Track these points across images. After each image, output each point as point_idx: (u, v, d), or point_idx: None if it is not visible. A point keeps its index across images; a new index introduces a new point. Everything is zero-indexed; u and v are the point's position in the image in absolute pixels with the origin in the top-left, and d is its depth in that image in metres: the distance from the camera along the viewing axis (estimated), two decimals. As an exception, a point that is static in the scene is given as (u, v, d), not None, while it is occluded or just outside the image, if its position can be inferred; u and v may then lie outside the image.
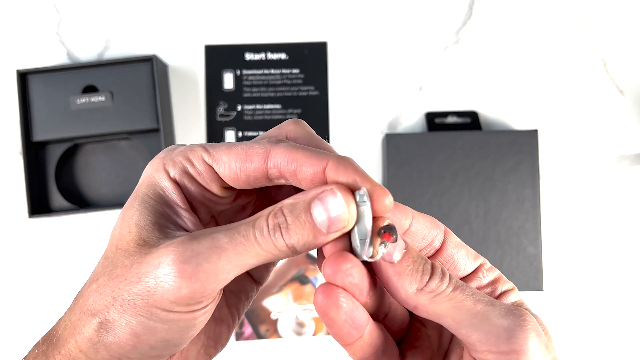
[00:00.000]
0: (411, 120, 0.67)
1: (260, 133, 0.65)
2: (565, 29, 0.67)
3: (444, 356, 0.25)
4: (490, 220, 0.63)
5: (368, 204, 0.22)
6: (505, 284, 0.25)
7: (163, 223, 0.23)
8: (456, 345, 0.25)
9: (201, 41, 0.66)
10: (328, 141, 0.66)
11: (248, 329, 0.64)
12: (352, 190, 0.22)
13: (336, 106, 0.66)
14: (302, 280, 0.65)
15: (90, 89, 0.62)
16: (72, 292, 0.62)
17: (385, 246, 0.22)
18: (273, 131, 0.25)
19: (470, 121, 0.66)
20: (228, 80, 0.66)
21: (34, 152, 0.63)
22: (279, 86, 0.66)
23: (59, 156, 0.63)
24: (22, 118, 0.61)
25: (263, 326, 0.64)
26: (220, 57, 0.66)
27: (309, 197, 0.22)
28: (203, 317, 0.23)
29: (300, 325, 0.64)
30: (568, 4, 0.67)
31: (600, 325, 0.66)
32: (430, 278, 0.23)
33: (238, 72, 0.66)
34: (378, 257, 0.22)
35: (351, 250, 0.23)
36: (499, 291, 0.25)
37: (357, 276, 0.23)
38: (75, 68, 0.62)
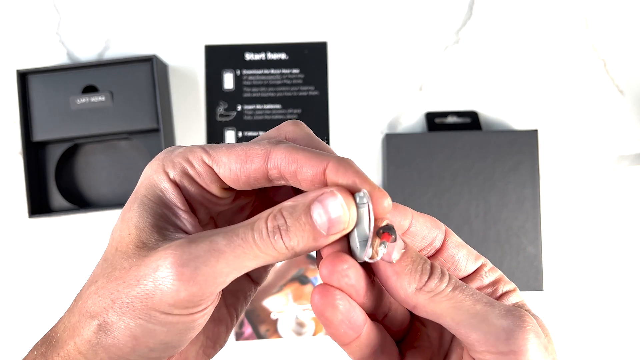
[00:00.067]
0: (411, 120, 0.67)
1: (261, 133, 0.66)
2: (565, 29, 0.67)
3: (445, 356, 0.25)
4: (490, 220, 0.63)
5: (367, 205, 0.22)
6: (507, 285, 0.25)
7: (162, 225, 0.23)
8: (457, 346, 0.25)
9: (201, 41, 0.66)
10: (327, 142, 0.66)
11: (248, 329, 0.64)
12: (351, 192, 0.22)
13: (336, 106, 0.67)
14: (302, 280, 0.65)
15: (90, 89, 0.62)
16: (72, 292, 0.62)
17: (384, 246, 0.22)
18: (272, 132, 0.25)
19: (470, 121, 0.66)
20: (228, 80, 0.66)
21: (34, 152, 0.63)
22: (279, 86, 0.66)
23: (59, 156, 0.63)
24: (22, 118, 0.61)
25: (263, 326, 0.64)
26: (220, 57, 0.66)
27: (308, 199, 0.22)
28: (202, 319, 0.23)
29: (300, 325, 0.64)
30: (568, 4, 0.67)
31: (600, 325, 0.66)
32: (429, 278, 0.23)
33: (238, 72, 0.66)
34: (378, 258, 0.22)
35: (349, 251, 0.23)
36: (499, 292, 0.25)
37: (354, 277, 0.23)
38: (75, 68, 0.62)
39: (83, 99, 0.62)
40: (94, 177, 0.65)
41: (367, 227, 0.22)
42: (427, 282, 0.23)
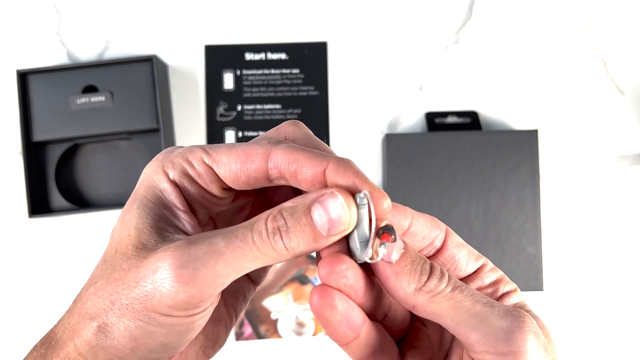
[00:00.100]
0: (411, 120, 0.67)
1: (260, 133, 0.66)
2: (565, 29, 0.67)
3: (445, 356, 0.25)
4: (490, 220, 0.63)
5: (367, 206, 0.22)
6: (507, 285, 0.25)
7: (162, 226, 0.23)
8: (457, 346, 0.25)
9: (201, 41, 0.66)
10: (327, 142, 0.66)
11: (248, 329, 0.64)
12: (351, 193, 0.22)
13: (336, 106, 0.67)
14: (302, 280, 0.65)
15: (90, 89, 0.62)
16: (72, 292, 0.62)
17: (385, 247, 0.22)
18: (271, 132, 0.25)
19: (470, 121, 0.66)
20: (228, 80, 0.66)
21: (34, 152, 0.63)
22: (279, 86, 0.66)
23: (59, 156, 0.63)
24: (22, 118, 0.61)
25: (263, 326, 0.64)
26: (220, 57, 0.66)
27: (308, 200, 0.22)
28: (201, 320, 0.23)
29: (300, 325, 0.64)
30: (568, 4, 0.67)
31: (600, 325, 0.66)
32: (428, 278, 0.23)
33: (238, 72, 0.66)
34: (379, 259, 0.23)
35: (348, 252, 0.23)
36: (500, 292, 0.25)
37: (352, 277, 0.23)
38: (75, 68, 0.62)
39: (83, 99, 0.62)
40: (94, 177, 0.65)
41: (367, 228, 0.23)
42: (426, 282, 0.23)
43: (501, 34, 0.67)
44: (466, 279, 0.25)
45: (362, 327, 0.24)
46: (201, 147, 0.24)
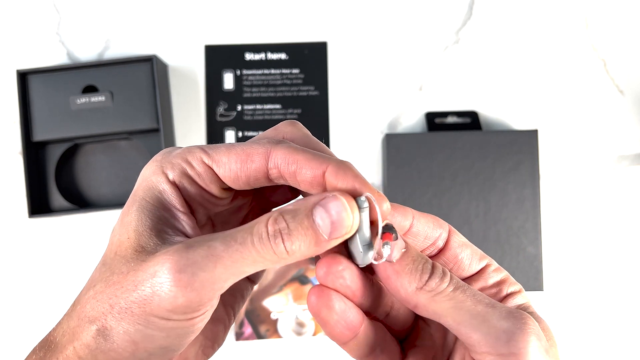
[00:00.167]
0: (411, 120, 0.67)
1: (260, 133, 0.65)
2: (565, 29, 0.67)
3: (449, 356, 0.25)
4: (490, 220, 0.63)
5: (367, 210, 0.22)
6: (512, 286, 0.25)
7: (161, 228, 0.23)
8: (460, 346, 0.25)
9: (201, 41, 0.66)
10: (327, 143, 0.66)
11: (248, 329, 0.64)
12: (352, 196, 0.22)
13: (336, 106, 0.67)
14: (302, 280, 0.65)
15: (90, 89, 0.62)
16: (72, 293, 0.62)
17: (388, 246, 0.22)
18: (269, 132, 0.25)
19: (470, 121, 0.66)
20: (228, 80, 0.66)
21: (34, 152, 0.63)
22: (279, 86, 0.66)
23: (59, 156, 0.63)
24: (22, 118, 0.61)
25: (263, 326, 0.64)
26: (220, 57, 0.66)
27: (310, 202, 0.22)
28: (201, 323, 0.22)
29: (300, 325, 0.64)
30: (568, 4, 0.67)
31: (601, 325, 0.66)
32: (430, 277, 0.23)
33: (238, 72, 0.66)
34: (384, 259, 0.23)
35: (349, 256, 0.23)
36: (504, 293, 0.25)
37: (349, 278, 0.23)
38: (75, 68, 0.62)
39: (83, 99, 0.62)
40: (94, 177, 0.65)
41: (368, 231, 0.23)
42: (427, 281, 0.23)
43: (501, 34, 0.67)
44: (470, 279, 0.25)
45: (359, 327, 0.24)
46: (200, 147, 0.24)
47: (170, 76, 0.66)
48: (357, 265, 0.24)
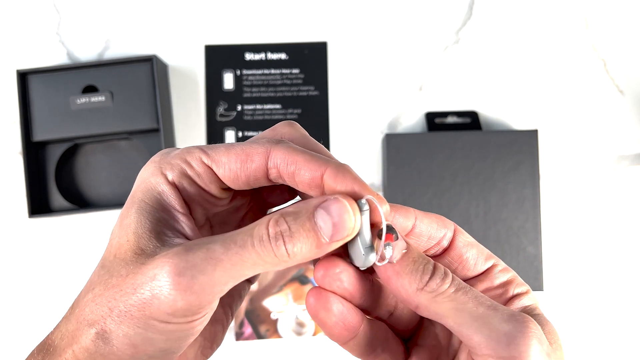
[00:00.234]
0: (411, 120, 0.67)
1: (259, 134, 0.65)
2: (565, 29, 0.67)
3: (454, 357, 0.25)
4: (490, 220, 0.63)
5: (368, 212, 0.22)
6: (519, 287, 0.25)
7: (160, 230, 0.22)
8: (465, 346, 0.25)
9: (201, 41, 0.66)
10: (327, 143, 0.66)
11: (248, 329, 0.64)
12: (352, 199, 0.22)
13: (336, 106, 0.66)
14: (302, 280, 0.65)
15: (90, 89, 0.62)
16: (72, 293, 0.62)
17: (390, 248, 0.23)
18: (267, 133, 0.25)
19: (470, 121, 0.66)
20: (228, 80, 0.66)
21: (34, 152, 0.63)
22: (279, 86, 0.66)
23: (59, 156, 0.63)
24: (22, 118, 0.61)
25: (263, 326, 0.64)
26: (220, 57, 0.66)
27: (311, 205, 0.22)
28: (201, 325, 0.22)
29: (300, 325, 0.64)
30: (568, 4, 0.67)
31: (601, 325, 0.66)
32: (430, 278, 0.23)
33: (238, 72, 0.66)
34: (387, 260, 0.23)
35: (348, 258, 0.24)
36: (510, 294, 0.25)
37: (347, 280, 0.23)
38: (75, 68, 0.62)
39: (83, 99, 0.62)
40: (94, 177, 0.65)
41: (369, 233, 0.23)
42: (428, 282, 0.23)
43: (501, 34, 0.67)
44: (475, 279, 0.25)
45: (359, 328, 0.24)
46: (199, 147, 0.24)
47: (170, 76, 0.66)
48: (357, 267, 0.24)
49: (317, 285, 0.24)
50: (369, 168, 0.66)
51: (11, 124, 0.65)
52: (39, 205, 0.63)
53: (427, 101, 0.67)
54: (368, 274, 0.25)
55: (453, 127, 0.65)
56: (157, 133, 0.63)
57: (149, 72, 0.62)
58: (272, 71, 0.66)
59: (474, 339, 0.21)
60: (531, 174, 0.63)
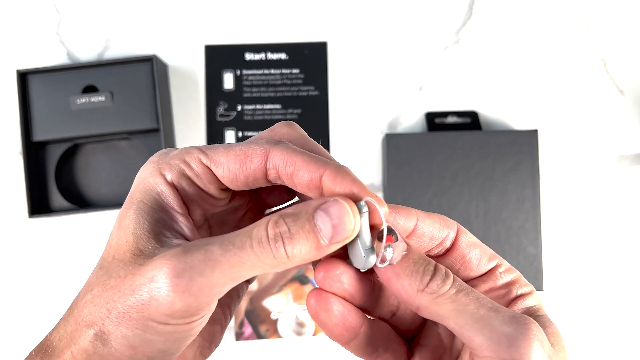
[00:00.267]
0: (411, 120, 0.67)
1: (257, 134, 0.65)
2: (565, 29, 0.67)
3: (457, 357, 0.25)
4: (490, 220, 0.63)
5: (367, 214, 0.22)
6: (523, 287, 0.25)
7: (159, 230, 0.22)
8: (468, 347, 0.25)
9: (201, 41, 0.66)
10: (327, 144, 0.66)
11: (248, 329, 0.64)
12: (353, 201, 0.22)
13: (336, 106, 0.66)
14: (302, 280, 0.65)
15: (90, 89, 0.62)
16: (72, 293, 0.62)
17: (390, 249, 0.23)
18: (265, 133, 0.25)
19: (470, 121, 0.66)
20: (228, 80, 0.66)
21: (34, 152, 0.63)
22: (279, 86, 0.66)
23: (59, 156, 0.63)
24: (22, 118, 0.61)
25: (263, 326, 0.64)
26: (220, 57, 0.66)
27: (311, 206, 0.22)
28: (199, 326, 0.22)
29: (300, 325, 0.64)
30: (568, 4, 0.67)
31: (601, 325, 0.66)
32: (431, 279, 0.23)
33: (238, 72, 0.66)
34: (388, 262, 0.23)
35: (348, 259, 0.24)
36: (514, 294, 0.25)
37: (347, 282, 0.23)
38: (75, 68, 0.62)
39: (83, 99, 0.62)
40: (94, 177, 0.65)
41: (369, 235, 0.23)
42: (429, 283, 0.23)
43: (501, 34, 0.67)
44: (478, 280, 0.25)
45: (359, 328, 0.24)
46: (198, 147, 0.24)
47: (170, 76, 0.66)
48: (357, 268, 0.24)
49: (317, 286, 0.24)
50: (369, 168, 0.66)
51: (11, 124, 0.65)
52: (39, 205, 0.63)
53: (427, 101, 0.67)
54: (369, 275, 0.25)
55: (453, 127, 0.65)
56: (157, 133, 0.63)
57: (149, 72, 0.62)
58: (272, 71, 0.66)
59: (475, 340, 0.21)
60: (531, 174, 0.63)
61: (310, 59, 0.66)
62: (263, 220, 0.21)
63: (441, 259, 0.26)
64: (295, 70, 0.66)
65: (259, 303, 0.64)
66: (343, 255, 0.24)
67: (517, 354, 0.20)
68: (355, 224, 0.22)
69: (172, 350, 0.22)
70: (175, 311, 0.21)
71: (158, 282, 0.20)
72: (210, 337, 0.27)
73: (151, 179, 0.23)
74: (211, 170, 0.23)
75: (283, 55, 0.66)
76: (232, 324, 0.64)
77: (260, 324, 0.64)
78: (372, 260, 0.23)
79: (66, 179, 0.65)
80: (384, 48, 0.67)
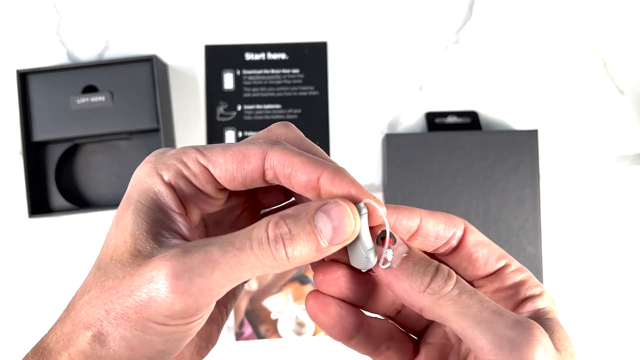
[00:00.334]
0: (411, 120, 0.67)
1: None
2: (565, 29, 0.67)
3: (464, 357, 0.25)
4: (490, 220, 0.63)
5: (366, 215, 0.23)
6: (532, 289, 0.24)
7: (157, 231, 0.22)
8: None
9: (201, 41, 0.66)
10: (326, 145, 0.66)
11: (248, 329, 0.64)
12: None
13: (336, 106, 0.66)
14: (302, 280, 0.65)
15: (90, 89, 0.62)
16: (72, 293, 0.62)
17: (390, 251, 0.23)
18: (262, 134, 0.25)
19: (470, 121, 0.66)
20: (228, 80, 0.66)
21: (34, 152, 0.63)
22: (279, 86, 0.66)
23: (59, 156, 0.63)
24: (22, 118, 0.61)
25: (263, 326, 0.64)
26: (220, 57, 0.66)
27: (311, 208, 0.22)
28: (198, 326, 0.22)
29: (300, 325, 0.64)
30: (568, 4, 0.67)
31: (601, 325, 0.66)
32: (432, 279, 0.22)
33: (238, 72, 0.66)
34: (389, 263, 0.23)
35: (348, 261, 0.24)
36: (522, 295, 0.24)
37: (345, 285, 0.24)
38: (75, 68, 0.62)
39: (83, 99, 0.62)
40: (94, 177, 0.65)
41: (369, 236, 0.23)
42: (430, 284, 0.22)
43: (501, 34, 0.67)
44: (485, 280, 0.25)
45: (359, 328, 0.24)
46: (195, 147, 0.24)
47: (170, 76, 0.66)
48: (357, 270, 0.24)
49: (315, 288, 0.24)
50: (369, 168, 0.66)
51: (11, 124, 0.65)
52: (39, 205, 0.63)
53: (427, 101, 0.67)
54: (368, 275, 0.25)
55: (453, 127, 0.65)
56: (157, 133, 0.63)
57: (149, 72, 0.62)
58: (272, 71, 0.66)
59: (477, 343, 0.21)
60: (531, 174, 0.63)
61: (310, 59, 0.66)
62: (263, 222, 0.21)
63: (448, 258, 0.25)
64: (295, 70, 0.66)
65: (259, 303, 0.64)
66: (342, 257, 0.24)
67: (519, 359, 0.20)
68: (356, 226, 0.22)
69: (171, 350, 0.22)
70: (174, 312, 0.20)
71: (157, 283, 0.20)
72: (208, 336, 0.27)
73: (148, 179, 0.23)
74: (208, 170, 0.23)
75: (283, 55, 0.66)
76: (232, 324, 0.64)
77: (260, 324, 0.64)
78: (373, 261, 0.23)
79: (66, 179, 0.65)
80: (384, 48, 0.67)
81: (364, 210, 0.22)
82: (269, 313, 0.64)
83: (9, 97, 0.65)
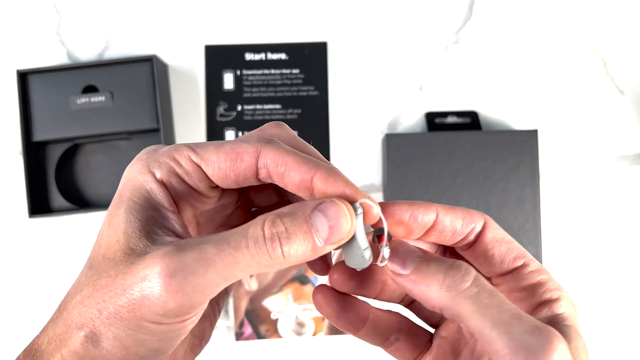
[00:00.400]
0: (411, 120, 0.67)
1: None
2: (565, 29, 0.67)
3: (479, 357, 0.24)
4: (490, 220, 0.63)
5: (362, 215, 0.23)
6: (550, 292, 0.24)
7: (150, 228, 0.22)
8: None
9: (201, 41, 0.66)
10: (327, 144, 0.66)
11: (248, 329, 0.64)
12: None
13: (336, 106, 0.66)
14: (302, 280, 0.65)
15: (90, 89, 0.62)
16: (72, 292, 0.62)
17: (387, 248, 0.23)
18: (255, 133, 0.25)
19: (470, 121, 0.66)
20: (228, 80, 0.66)
21: (34, 152, 0.63)
22: (279, 86, 0.66)
23: (59, 156, 0.63)
24: (22, 118, 0.61)
25: (263, 326, 0.64)
26: (220, 57, 0.66)
27: (308, 207, 0.22)
28: (192, 324, 0.22)
29: (300, 325, 0.64)
30: (568, 4, 0.67)
31: (601, 325, 0.66)
32: (446, 275, 0.22)
33: (238, 72, 0.66)
34: (387, 261, 0.23)
35: (344, 260, 0.24)
36: (539, 299, 0.23)
37: (358, 283, 0.24)
38: (75, 68, 0.62)
39: (83, 99, 0.62)
40: (94, 177, 0.65)
41: (364, 236, 0.23)
42: (444, 279, 0.22)
43: (501, 34, 0.67)
44: (501, 278, 0.25)
45: (365, 320, 0.25)
46: (187, 145, 0.23)
47: (170, 76, 0.66)
48: (356, 269, 0.24)
49: (322, 283, 0.25)
50: (369, 168, 0.66)
51: (11, 124, 0.65)
52: (39, 205, 0.63)
53: (427, 101, 0.67)
54: (374, 272, 0.25)
55: (453, 127, 0.65)
56: (157, 133, 0.63)
57: (149, 72, 0.62)
58: (272, 71, 0.66)
59: (493, 346, 0.20)
60: (531, 174, 0.63)
61: (310, 59, 0.66)
62: (258, 220, 0.21)
63: (466, 253, 0.25)
64: (295, 70, 0.66)
65: (259, 303, 0.64)
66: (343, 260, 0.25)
67: None
68: (352, 226, 0.22)
69: (165, 349, 0.22)
70: (168, 311, 0.20)
71: (150, 282, 0.20)
72: (200, 334, 0.27)
73: (140, 176, 0.23)
74: (201, 168, 0.23)
75: (283, 55, 0.66)
76: (232, 323, 0.64)
77: (260, 324, 0.64)
78: (368, 260, 0.23)
79: (66, 179, 0.65)
80: (384, 48, 0.67)
81: (360, 210, 0.22)
82: (269, 313, 0.64)
83: (9, 97, 0.65)
